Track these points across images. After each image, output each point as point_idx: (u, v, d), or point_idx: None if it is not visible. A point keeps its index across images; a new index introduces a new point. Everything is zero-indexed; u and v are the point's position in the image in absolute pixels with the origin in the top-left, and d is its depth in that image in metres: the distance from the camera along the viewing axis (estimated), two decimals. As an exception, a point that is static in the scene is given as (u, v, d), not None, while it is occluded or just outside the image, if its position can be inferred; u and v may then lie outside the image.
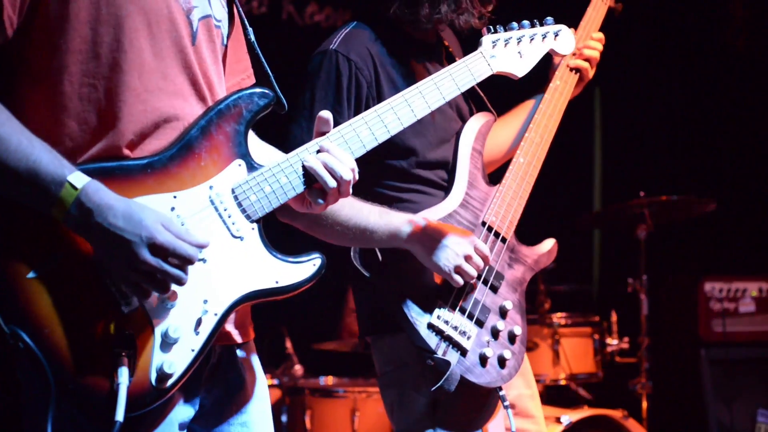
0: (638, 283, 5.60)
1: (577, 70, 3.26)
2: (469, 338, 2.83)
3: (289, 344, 5.46)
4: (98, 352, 1.92)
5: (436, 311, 2.81)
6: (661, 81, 6.86)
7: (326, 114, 2.21)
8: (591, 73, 3.29)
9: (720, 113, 6.74)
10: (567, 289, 5.94)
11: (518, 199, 3.03)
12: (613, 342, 5.51)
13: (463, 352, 2.82)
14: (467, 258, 2.80)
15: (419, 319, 2.79)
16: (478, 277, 2.90)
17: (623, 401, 5.38)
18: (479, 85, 2.65)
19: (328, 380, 5.50)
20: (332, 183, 2.14)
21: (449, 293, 2.84)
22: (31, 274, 1.91)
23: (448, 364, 2.76)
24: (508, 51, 2.58)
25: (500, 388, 2.89)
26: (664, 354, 5.93)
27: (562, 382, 5.28)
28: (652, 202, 5.43)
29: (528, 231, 3.16)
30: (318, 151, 2.17)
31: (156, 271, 1.92)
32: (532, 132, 3.13)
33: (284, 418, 5.28)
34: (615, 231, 6.24)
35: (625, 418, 5.07)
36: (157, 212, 1.96)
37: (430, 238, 2.80)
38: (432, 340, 2.78)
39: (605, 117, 7.27)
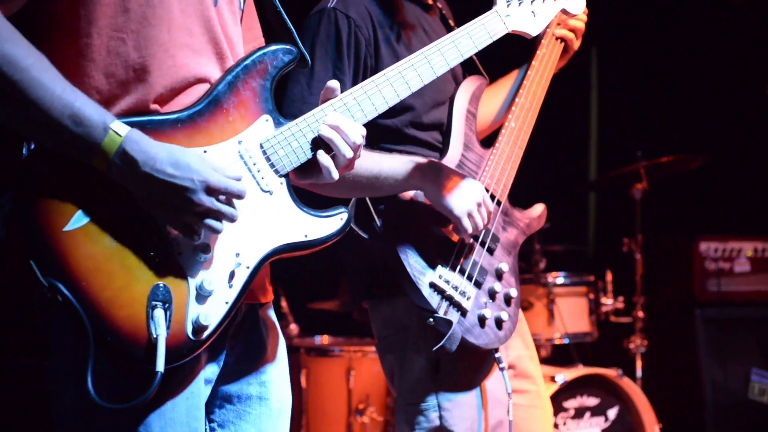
0: (633, 243, 5.61)
1: (563, 40, 3.27)
2: (468, 299, 2.83)
3: (284, 303, 5.47)
4: (135, 305, 1.94)
5: (438, 270, 2.81)
6: (657, 39, 6.82)
7: (334, 83, 2.21)
8: (576, 44, 3.30)
9: (718, 72, 6.71)
10: (562, 248, 5.94)
11: (511, 162, 3.04)
12: (608, 301, 5.53)
13: (463, 312, 2.82)
14: (479, 205, 2.80)
15: (421, 278, 2.78)
16: (476, 239, 2.90)
17: (618, 360, 5.41)
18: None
19: (323, 339, 5.51)
20: (349, 153, 2.16)
21: (449, 253, 2.84)
22: (67, 227, 1.92)
23: (450, 323, 2.76)
24: (522, 10, 2.58)
25: (497, 350, 2.89)
26: (658, 313, 5.94)
27: (557, 341, 5.30)
28: (649, 163, 5.43)
29: (524, 193, 3.17)
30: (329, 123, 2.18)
31: (210, 211, 1.97)
32: (521, 97, 3.14)
33: (280, 377, 5.29)
34: (611, 191, 6.23)
35: (619, 377, 5.09)
36: (199, 154, 1.99)
37: (446, 179, 2.79)
38: (434, 299, 2.78)
39: (602, 77, 7.24)
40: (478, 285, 2.87)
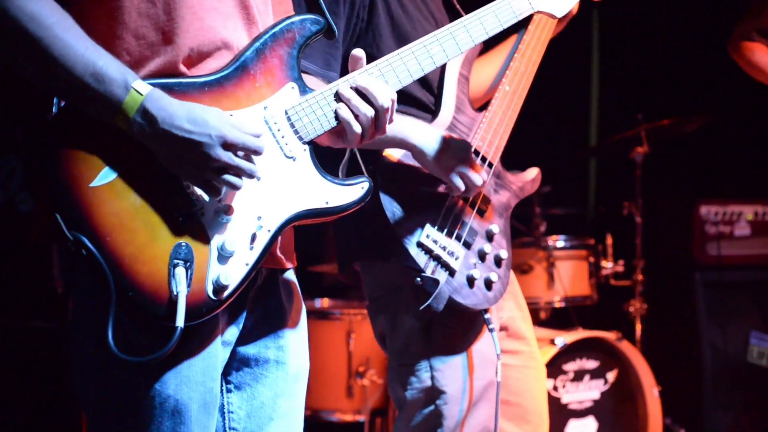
0: (634, 206, 5.61)
1: None
2: (457, 259, 2.83)
3: (284, 267, 5.47)
4: (158, 262, 1.98)
5: (426, 230, 2.81)
6: (659, 1, 6.78)
7: (359, 53, 2.23)
8: (575, 8, 3.27)
9: (720, 33, 6.67)
10: (562, 212, 5.94)
11: (504, 126, 3.03)
12: (607, 265, 5.54)
13: (452, 272, 2.82)
14: (469, 165, 2.79)
15: (408, 237, 2.79)
16: (466, 200, 2.89)
17: (617, 324, 5.42)
18: (464, 10, 2.63)
19: (323, 302, 5.53)
20: (370, 111, 2.18)
21: (437, 214, 2.84)
22: (93, 183, 1.96)
23: (436, 282, 2.76)
24: None
25: (486, 311, 2.89)
26: (658, 277, 5.95)
27: (557, 305, 5.31)
28: (649, 126, 5.42)
29: (524, 156, 3.16)
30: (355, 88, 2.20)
31: (228, 166, 2.00)
32: (516, 61, 3.12)
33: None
34: (611, 154, 6.22)
35: (618, 340, 5.11)
36: (218, 111, 2.02)
37: (436, 139, 2.80)
38: (421, 258, 2.79)
39: (603, 40, 7.21)
40: (467, 246, 2.87)
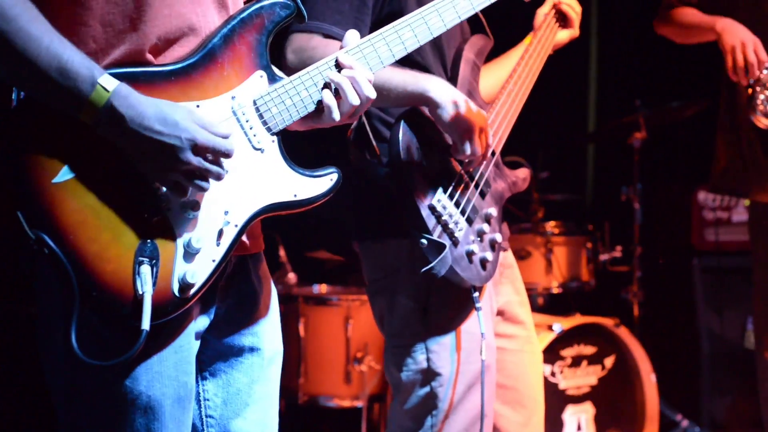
0: (632, 192, 5.61)
1: (565, 15, 3.40)
2: (461, 230, 2.84)
3: (282, 252, 5.47)
4: (122, 260, 1.93)
5: (437, 195, 2.80)
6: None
7: (353, 34, 2.21)
8: (576, 23, 3.41)
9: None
10: (561, 198, 5.94)
11: (507, 119, 3.08)
12: (606, 251, 5.54)
13: (455, 242, 2.82)
14: (480, 130, 2.80)
15: (422, 197, 2.78)
16: (471, 178, 2.90)
17: (615, 309, 5.43)
18: (483, 13, 2.63)
19: (321, 288, 5.52)
20: (356, 101, 2.15)
21: (449, 183, 2.84)
22: (56, 179, 1.90)
23: (441, 246, 2.75)
24: None
25: (474, 289, 2.89)
26: (656, 263, 5.95)
27: (555, 291, 5.31)
28: (648, 112, 5.42)
29: (524, 142, 3.18)
30: (337, 66, 2.16)
31: (197, 169, 1.96)
32: (521, 66, 3.21)
33: (278, 326, 5.31)
34: (609, 140, 6.21)
35: (616, 326, 5.11)
36: (188, 110, 1.97)
37: (457, 96, 2.78)
38: (431, 221, 2.78)
39: (601, 25, 7.20)
40: (469, 222, 2.88)
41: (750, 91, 4.02)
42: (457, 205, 2.84)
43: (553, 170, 5.52)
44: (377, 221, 2.93)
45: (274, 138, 2.12)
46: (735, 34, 3.99)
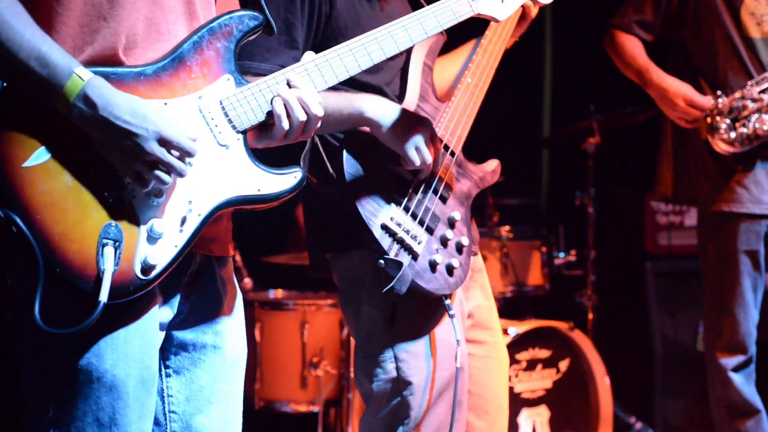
0: (586, 197, 5.65)
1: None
2: (420, 243, 2.85)
3: (238, 257, 5.45)
4: (87, 240, 2.03)
5: (390, 212, 2.81)
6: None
7: (310, 56, 2.31)
8: (534, 11, 3.32)
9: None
10: (516, 202, 5.96)
11: (466, 116, 3.07)
12: (560, 255, 5.58)
13: (414, 256, 2.83)
14: (427, 139, 2.80)
15: (373, 219, 2.79)
16: (428, 185, 2.90)
17: (570, 313, 5.46)
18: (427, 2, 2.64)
19: (277, 293, 5.52)
20: (303, 116, 2.24)
21: (402, 198, 2.85)
22: (26, 163, 2.01)
23: (400, 264, 2.77)
24: None
25: (446, 297, 2.90)
26: (610, 267, 6.00)
27: (510, 294, 5.34)
28: (602, 117, 5.46)
29: (479, 146, 3.18)
30: (289, 84, 2.27)
31: (160, 161, 2.06)
32: (479, 56, 3.16)
33: (234, 331, 5.28)
34: (564, 145, 6.25)
35: (571, 330, 5.15)
36: (158, 106, 2.10)
37: (392, 113, 2.80)
38: (385, 240, 2.79)
39: (556, 31, 7.24)
40: (429, 231, 2.88)
41: (709, 120, 4.14)
42: (414, 217, 2.85)
43: (508, 175, 5.54)
44: (341, 234, 2.93)
45: (240, 136, 2.22)
46: (667, 100, 4.19)
